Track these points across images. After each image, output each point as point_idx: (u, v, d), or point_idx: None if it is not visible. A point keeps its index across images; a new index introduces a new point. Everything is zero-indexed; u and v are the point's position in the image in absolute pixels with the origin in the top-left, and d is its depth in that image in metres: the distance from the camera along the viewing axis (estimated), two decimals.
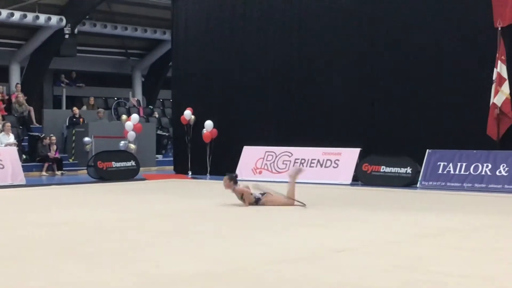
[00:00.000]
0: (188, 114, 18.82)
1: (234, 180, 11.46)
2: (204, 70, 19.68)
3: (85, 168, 18.54)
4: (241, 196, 11.36)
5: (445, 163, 15.11)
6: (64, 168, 20.68)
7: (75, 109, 23.76)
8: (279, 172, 17.27)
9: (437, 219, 10.02)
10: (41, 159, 20.33)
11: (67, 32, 23.97)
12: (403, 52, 16.34)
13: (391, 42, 16.48)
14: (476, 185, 14.55)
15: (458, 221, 9.83)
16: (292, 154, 17.28)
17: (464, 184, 14.69)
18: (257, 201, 11.34)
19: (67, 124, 23.39)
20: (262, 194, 11.41)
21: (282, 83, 18.30)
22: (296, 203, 11.26)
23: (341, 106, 17.16)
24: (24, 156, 20.11)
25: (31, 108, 23.10)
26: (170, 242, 8.02)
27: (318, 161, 16.89)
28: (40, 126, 23.13)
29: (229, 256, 7.07)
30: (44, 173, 20.04)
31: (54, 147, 20.71)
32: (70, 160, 22.27)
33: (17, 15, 22.59)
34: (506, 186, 14.21)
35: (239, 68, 19.02)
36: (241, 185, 11.54)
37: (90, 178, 17.79)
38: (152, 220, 10.11)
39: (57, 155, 20.82)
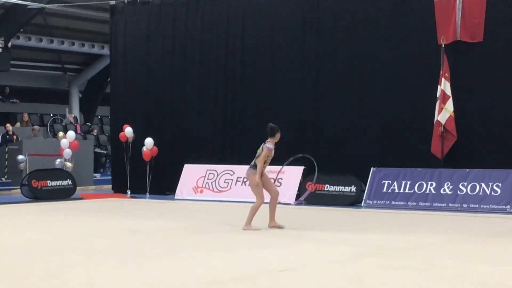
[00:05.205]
0: (129, 131, 18.29)
1: None
2: (144, 86, 19.17)
3: (19, 187, 17.87)
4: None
5: (390, 182, 14.96)
6: None
7: (9, 126, 23.07)
8: (220, 191, 16.86)
9: (380, 238, 9.92)
10: None
11: (0, 46, 23.34)
12: (348, 69, 16.21)
13: (335, 58, 16.32)
14: (420, 203, 14.43)
15: (401, 240, 9.73)
16: (234, 173, 16.89)
17: (409, 203, 14.54)
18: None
19: (0, 141, 22.64)
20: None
21: (223, 100, 17.94)
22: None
23: (285, 124, 16.84)
24: None
25: None
26: (106, 262, 7.71)
27: None
28: None
29: (167, 277, 6.84)
30: None
31: None
32: (3, 179, 21.49)
33: None
34: (450, 205, 14.12)
35: (179, 85, 18.59)
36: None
37: (24, 197, 17.16)
38: (87, 240, 9.70)
39: None
